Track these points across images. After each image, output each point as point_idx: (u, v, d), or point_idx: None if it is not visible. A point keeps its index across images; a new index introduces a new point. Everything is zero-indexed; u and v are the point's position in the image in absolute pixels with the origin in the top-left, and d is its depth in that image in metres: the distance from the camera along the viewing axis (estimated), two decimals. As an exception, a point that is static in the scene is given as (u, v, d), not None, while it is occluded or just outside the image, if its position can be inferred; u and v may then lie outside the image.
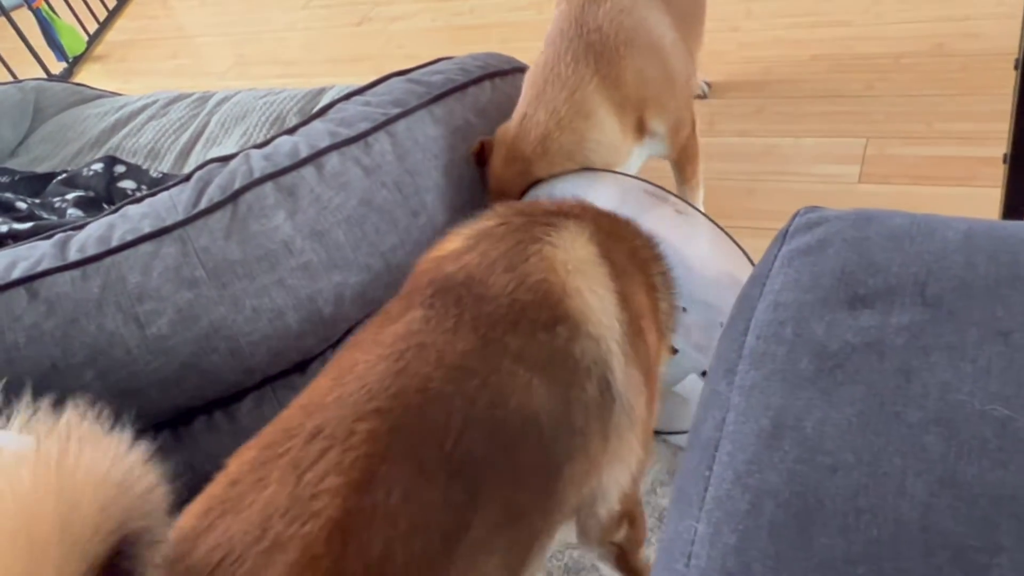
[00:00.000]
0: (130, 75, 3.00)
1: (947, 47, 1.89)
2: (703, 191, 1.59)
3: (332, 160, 1.34)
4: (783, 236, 0.63)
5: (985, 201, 1.48)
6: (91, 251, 1.25)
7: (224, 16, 3.22)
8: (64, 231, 1.32)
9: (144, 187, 1.94)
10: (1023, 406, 0.47)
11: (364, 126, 1.39)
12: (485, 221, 0.93)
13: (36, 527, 0.48)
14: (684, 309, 1.07)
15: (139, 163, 2.03)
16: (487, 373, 0.74)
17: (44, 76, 2.93)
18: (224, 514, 0.66)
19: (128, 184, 1.97)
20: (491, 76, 1.56)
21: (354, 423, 0.68)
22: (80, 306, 1.19)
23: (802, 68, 1.98)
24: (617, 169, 1.37)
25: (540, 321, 0.78)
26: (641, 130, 1.39)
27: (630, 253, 0.94)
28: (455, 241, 0.91)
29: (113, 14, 3.43)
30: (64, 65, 3.10)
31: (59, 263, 1.22)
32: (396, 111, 1.41)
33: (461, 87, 1.48)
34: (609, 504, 0.87)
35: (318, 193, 1.31)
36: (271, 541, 0.63)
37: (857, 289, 0.56)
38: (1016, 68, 1.14)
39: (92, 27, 3.29)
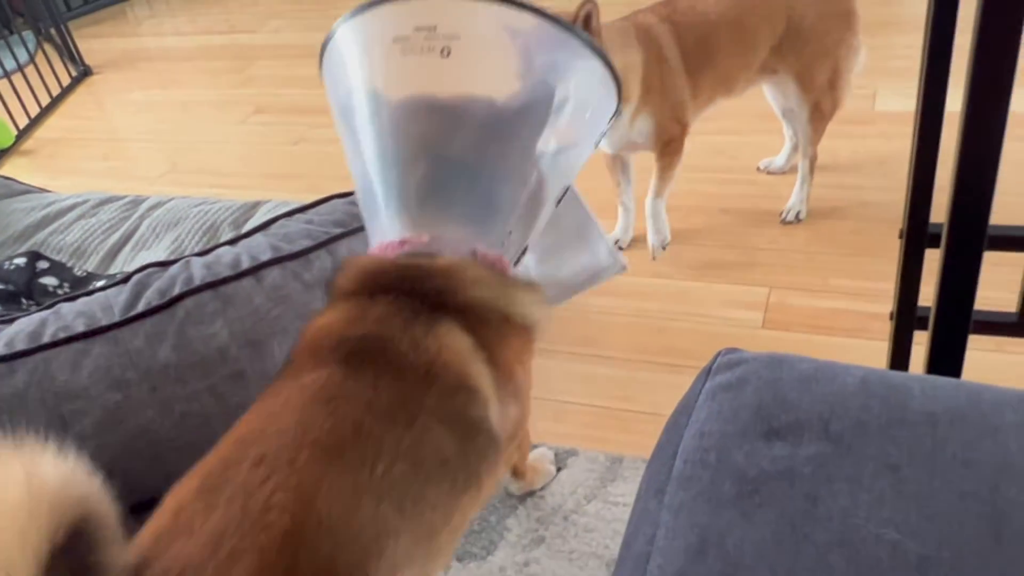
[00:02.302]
0: (58, 172, 2.99)
1: (842, 211, 2.09)
2: (672, 184, 1.98)
3: (273, 273, 1.38)
4: (707, 373, 0.71)
5: (874, 352, 1.62)
6: (20, 346, 1.24)
7: (161, 124, 3.28)
8: (-8, 324, 1.31)
9: (67, 285, 1.93)
10: (911, 531, 0.55)
11: (306, 243, 1.44)
12: (360, 299, 0.99)
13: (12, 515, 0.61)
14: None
15: (64, 261, 2.02)
16: (409, 422, 0.88)
17: (-33, 166, 2.90)
18: (176, 538, 0.73)
19: (50, 280, 1.96)
20: (429, 205, 1.65)
21: (295, 451, 0.79)
22: (4, 401, 1.18)
23: (714, 219, 2.15)
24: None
25: (448, 388, 0.93)
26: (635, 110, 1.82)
27: (497, 324, 1.01)
28: (338, 312, 0.99)
29: (46, 111, 3.44)
30: (-11, 157, 3.08)
31: (-14, 356, 1.21)
32: (337, 231, 1.47)
33: (401, 213, 1.57)
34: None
35: (257, 304, 1.34)
36: (228, 553, 0.70)
37: (772, 423, 0.63)
38: (900, 237, 1.29)
39: (23, 122, 3.29)
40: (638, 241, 2.11)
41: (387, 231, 0.96)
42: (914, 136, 1.18)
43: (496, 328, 0.99)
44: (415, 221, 0.95)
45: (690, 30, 1.87)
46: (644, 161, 2.02)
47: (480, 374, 0.97)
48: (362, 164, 1.01)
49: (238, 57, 3.78)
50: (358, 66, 0.98)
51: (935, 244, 1.27)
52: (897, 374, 0.66)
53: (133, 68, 3.88)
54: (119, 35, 4.39)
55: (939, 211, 1.23)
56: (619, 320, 1.90)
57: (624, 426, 1.65)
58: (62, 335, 1.26)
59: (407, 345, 0.92)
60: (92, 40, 4.25)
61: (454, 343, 0.94)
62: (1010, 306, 1.27)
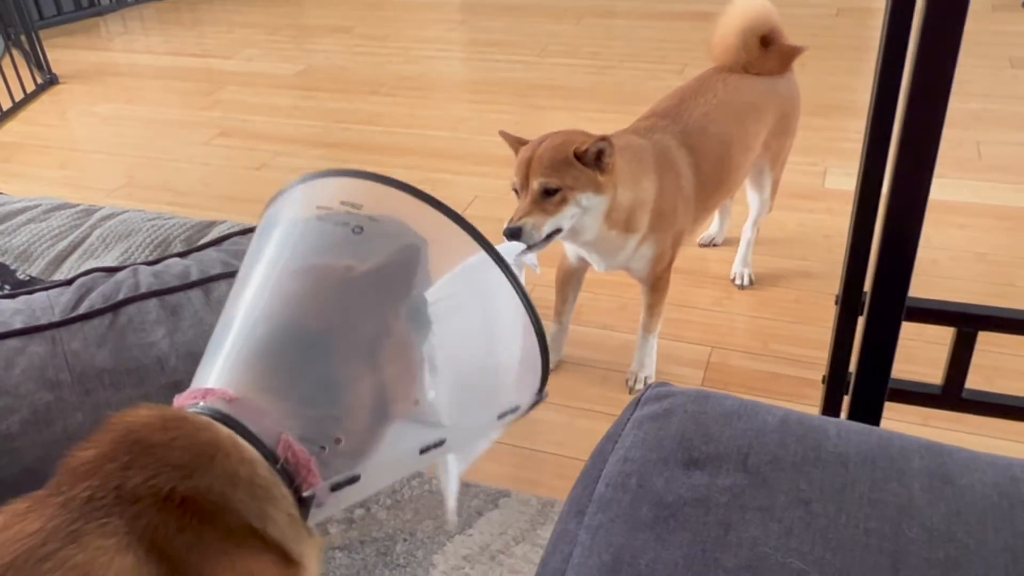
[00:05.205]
0: (12, 177, 2.95)
1: (786, 280, 2.16)
2: (662, 321, 1.89)
3: (221, 287, 1.38)
4: (636, 403, 0.73)
5: (807, 417, 1.67)
6: (-47, 339, 1.22)
7: (122, 137, 3.26)
8: (-74, 315, 1.28)
9: (7, 287, 1.89)
10: (815, 561, 0.57)
11: (257, 261, 1.45)
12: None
13: None
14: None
15: (8, 263, 1.98)
16: None
17: (-83, 162, 2.85)
18: None
19: (-9, 281, 1.92)
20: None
21: None
22: (-70, 391, 1.15)
23: (662, 277, 2.19)
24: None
25: None
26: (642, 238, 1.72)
27: (234, 533, 0.72)
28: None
29: (6, 115, 3.41)
30: (-59, 155, 3.03)
31: (-83, 346, 1.19)
32: (290, 253, 1.48)
33: (356, 241, 1.58)
34: None
35: (201, 316, 1.34)
36: None
37: (692, 453, 0.66)
38: (836, 304, 1.34)
39: (-20, 124, 3.26)
40: (591, 298, 2.15)
41: (205, 376, 0.81)
42: (853, 213, 1.23)
43: (231, 537, 0.71)
44: (236, 374, 0.78)
45: (707, 157, 1.79)
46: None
47: None
48: (231, 305, 0.88)
49: (208, 81, 3.79)
50: (281, 217, 0.89)
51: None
52: (815, 417, 0.69)
53: (100, 81, 3.86)
54: (90, 48, 4.38)
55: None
56: (563, 367, 1.93)
57: (558, 471, 1.66)
58: (-2, 330, 1.24)
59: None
60: (62, 50, 4.24)
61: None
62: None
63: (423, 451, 0.82)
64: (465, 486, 1.59)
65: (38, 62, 3.86)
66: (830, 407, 1.43)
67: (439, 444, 0.82)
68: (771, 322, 2.02)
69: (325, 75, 3.81)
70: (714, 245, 2.34)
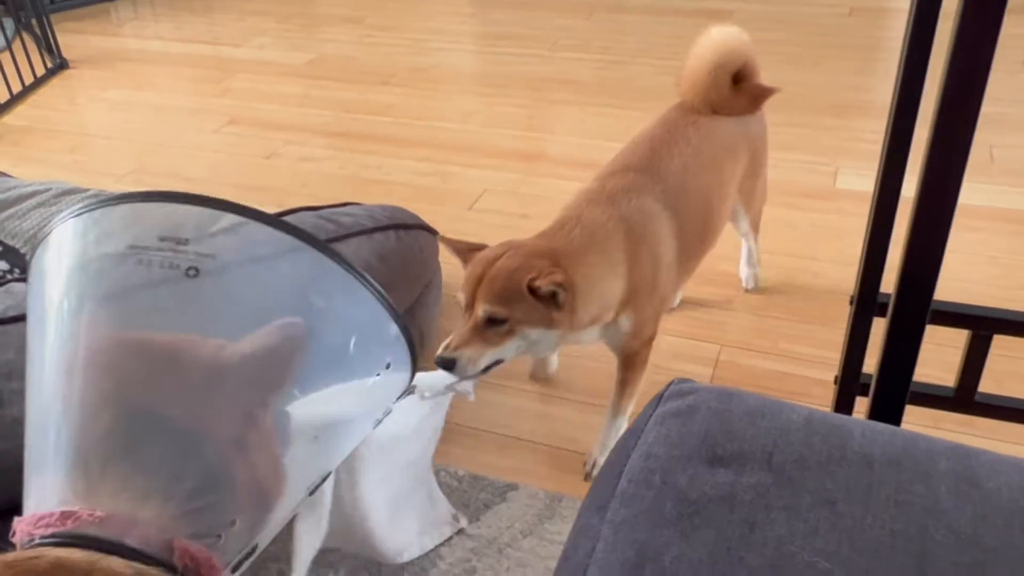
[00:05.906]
0: (21, 160, 2.95)
1: (796, 280, 2.15)
2: (635, 402, 1.68)
3: (234, 275, 1.38)
4: (658, 399, 0.73)
5: (816, 417, 1.66)
6: (-33, 321, 1.22)
7: (131, 123, 3.26)
8: (-60, 296, 1.28)
9: (17, 270, 1.89)
10: (841, 561, 0.57)
11: (270, 250, 1.44)
12: None
13: None
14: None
15: (18, 247, 1.98)
16: None
17: (-73, 144, 2.85)
18: None
19: (1, 264, 1.92)
20: (396, 227, 1.66)
21: None
22: (-56, 372, 1.15)
23: (672, 274, 2.19)
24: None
25: None
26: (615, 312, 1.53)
27: None
28: None
29: (16, 99, 3.40)
30: (-49, 137, 3.03)
31: (-69, 327, 1.19)
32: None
33: (368, 231, 1.58)
34: None
35: (214, 304, 1.34)
36: None
37: (716, 450, 0.65)
38: (851, 304, 1.33)
39: (-10, 107, 3.25)
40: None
41: (50, 495, 0.64)
42: (871, 215, 1.23)
43: None
44: (92, 487, 0.63)
45: (690, 218, 1.63)
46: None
47: None
48: (39, 390, 0.69)
49: (218, 68, 3.79)
50: (74, 270, 0.70)
51: (881, 313, 1.32)
52: (839, 416, 0.69)
53: (110, 67, 3.86)
54: (100, 33, 4.37)
55: (887, 287, 1.28)
56: (573, 362, 1.92)
57: (567, 466, 1.66)
58: (12, 313, 1.23)
59: None
60: (72, 35, 4.23)
61: None
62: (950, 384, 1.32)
63: (312, 490, 0.76)
64: (473, 478, 1.59)
65: (48, 46, 3.85)
66: (842, 407, 1.43)
67: (324, 479, 0.77)
68: (781, 321, 2.02)
69: (335, 65, 3.80)
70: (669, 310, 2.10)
